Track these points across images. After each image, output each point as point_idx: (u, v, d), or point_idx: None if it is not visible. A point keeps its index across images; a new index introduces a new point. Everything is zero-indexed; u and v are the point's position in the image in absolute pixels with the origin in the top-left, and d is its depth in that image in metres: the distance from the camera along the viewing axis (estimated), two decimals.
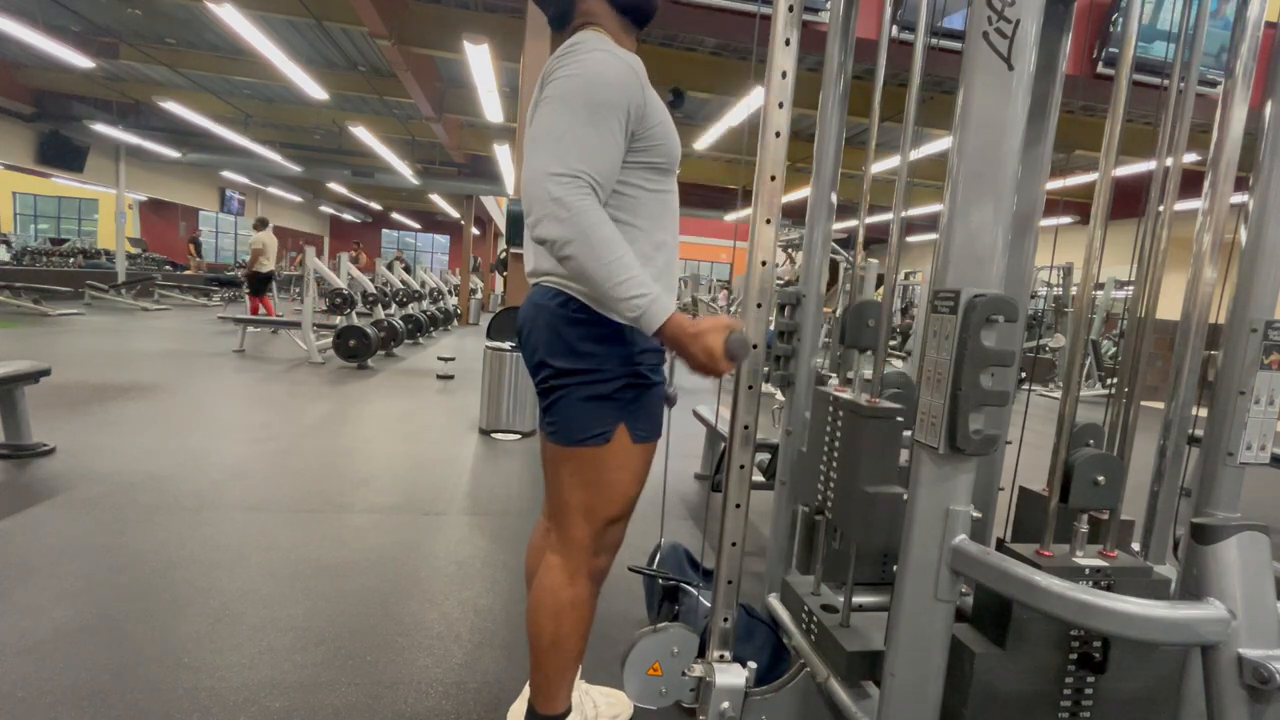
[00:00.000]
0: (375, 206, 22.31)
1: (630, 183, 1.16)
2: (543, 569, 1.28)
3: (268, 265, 9.11)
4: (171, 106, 9.30)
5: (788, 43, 1.15)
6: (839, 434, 1.16)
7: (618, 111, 1.08)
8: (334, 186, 17.07)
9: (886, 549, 1.28)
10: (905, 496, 0.94)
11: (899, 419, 1.11)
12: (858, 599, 1.25)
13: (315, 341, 6.79)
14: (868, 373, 1.24)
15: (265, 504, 2.73)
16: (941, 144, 7.83)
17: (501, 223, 17.01)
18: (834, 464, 1.18)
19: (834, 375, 1.69)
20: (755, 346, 1.21)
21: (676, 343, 1.08)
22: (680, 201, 1.30)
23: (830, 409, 1.20)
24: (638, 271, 1.05)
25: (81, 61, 7.36)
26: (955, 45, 1.01)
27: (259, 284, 9.14)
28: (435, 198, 17.58)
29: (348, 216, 24.34)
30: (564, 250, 1.04)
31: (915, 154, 4.76)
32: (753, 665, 1.26)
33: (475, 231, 15.46)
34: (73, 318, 9.09)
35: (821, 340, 1.49)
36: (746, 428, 1.25)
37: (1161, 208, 1.02)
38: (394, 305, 8.58)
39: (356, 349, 6.52)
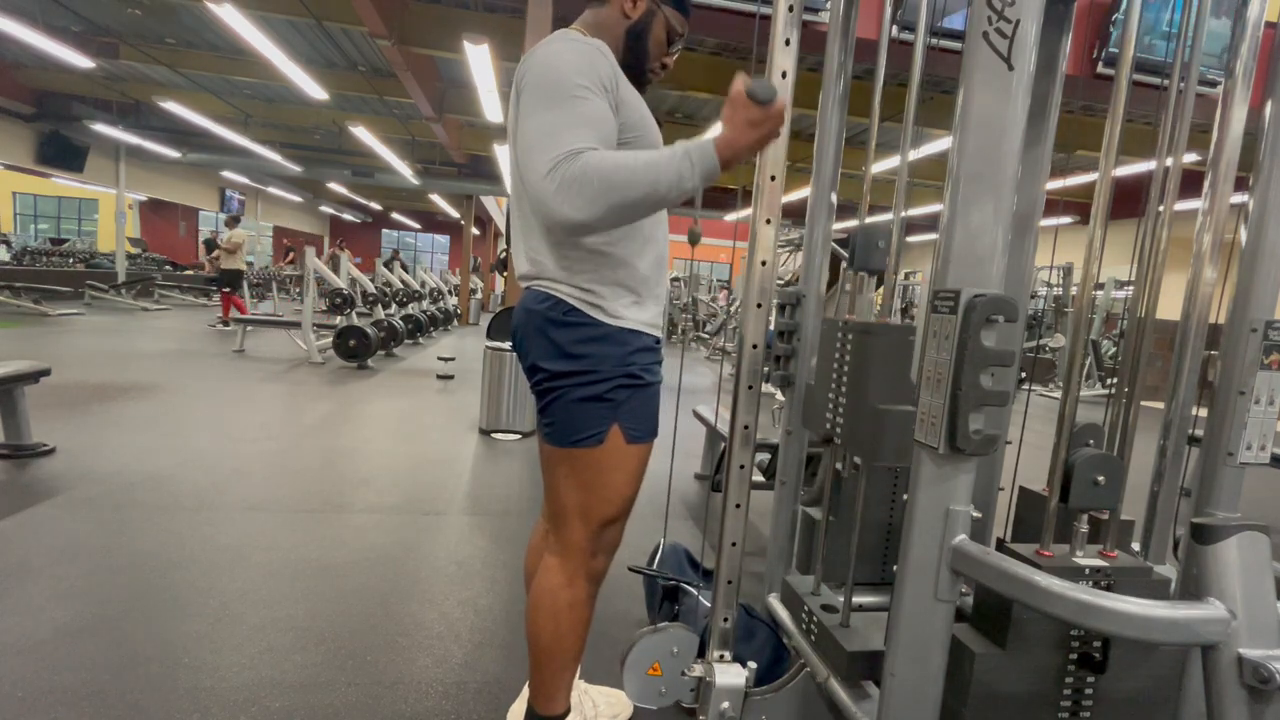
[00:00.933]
0: (375, 206, 22.30)
1: None
2: (541, 570, 1.28)
3: (240, 263, 9.29)
4: (171, 106, 9.29)
5: (788, 43, 1.15)
6: (848, 356, 1.15)
7: (589, 85, 1.06)
8: (334, 186, 17.05)
9: (896, 472, 1.27)
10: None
11: (910, 337, 1.10)
12: (858, 599, 1.25)
13: (315, 341, 6.79)
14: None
15: (265, 504, 2.73)
16: (941, 144, 7.83)
17: (501, 223, 17.02)
18: (843, 387, 1.16)
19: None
20: (755, 347, 1.21)
21: (736, 155, 1.02)
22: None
23: (839, 334, 1.18)
24: (654, 157, 1.00)
25: (81, 61, 7.35)
26: (955, 45, 1.01)
27: (236, 280, 9.25)
28: (435, 198, 17.57)
29: (348, 216, 24.34)
30: (602, 213, 0.99)
31: (915, 154, 4.76)
32: (753, 665, 1.26)
33: (475, 231, 15.45)
34: (73, 318, 9.09)
35: None
36: (746, 428, 1.25)
37: (1161, 208, 1.02)
38: (394, 305, 8.58)
39: (356, 349, 6.52)
